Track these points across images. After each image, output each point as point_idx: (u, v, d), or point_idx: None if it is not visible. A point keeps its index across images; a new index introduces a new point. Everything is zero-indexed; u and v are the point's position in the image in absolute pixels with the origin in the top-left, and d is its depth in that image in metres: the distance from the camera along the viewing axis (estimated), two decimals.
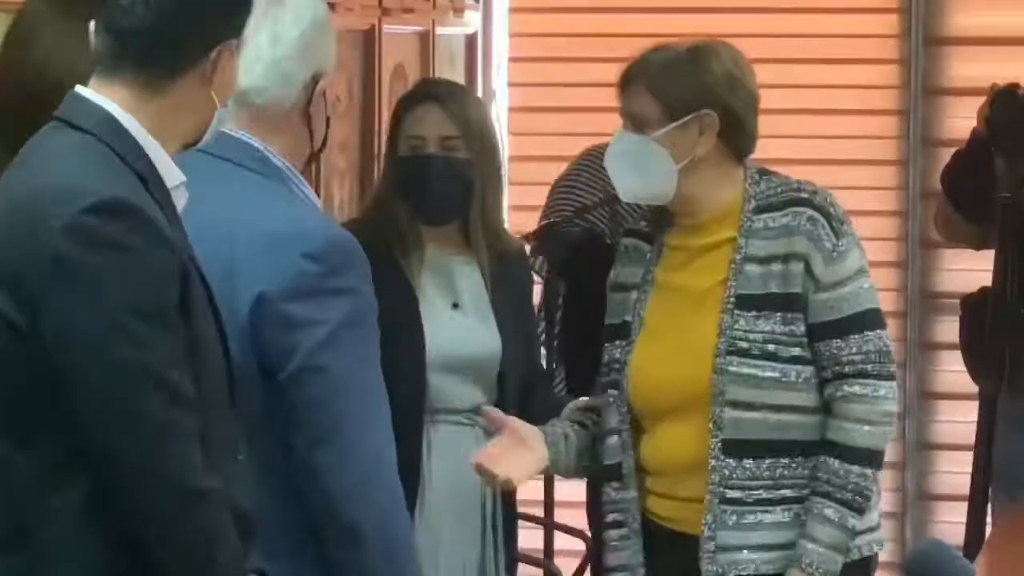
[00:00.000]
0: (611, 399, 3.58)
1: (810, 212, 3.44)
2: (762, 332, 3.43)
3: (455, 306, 3.79)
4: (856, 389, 3.41)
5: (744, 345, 3.44)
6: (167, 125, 2.51)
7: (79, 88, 2.51)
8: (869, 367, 3.42)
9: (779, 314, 3.43)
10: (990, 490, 4.78)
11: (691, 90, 3.45)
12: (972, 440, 4.85)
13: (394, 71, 5.23)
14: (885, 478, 5.25)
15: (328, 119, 3.03)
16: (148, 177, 2.44)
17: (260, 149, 2.80)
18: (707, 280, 3.51)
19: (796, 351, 3.43)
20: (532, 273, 4.18)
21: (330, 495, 2.77)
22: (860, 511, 3.42)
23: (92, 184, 2.39)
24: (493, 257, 3.82)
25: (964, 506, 4.83)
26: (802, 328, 3.43)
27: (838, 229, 3.43)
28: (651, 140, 3.45)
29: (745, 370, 3.43)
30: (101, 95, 2.48)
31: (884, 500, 5.12)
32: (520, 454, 3.50)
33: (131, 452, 2.36)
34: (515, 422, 3.53)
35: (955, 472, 5.54)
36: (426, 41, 5.51)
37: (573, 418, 3.67)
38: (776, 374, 3.43)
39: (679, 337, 3.54)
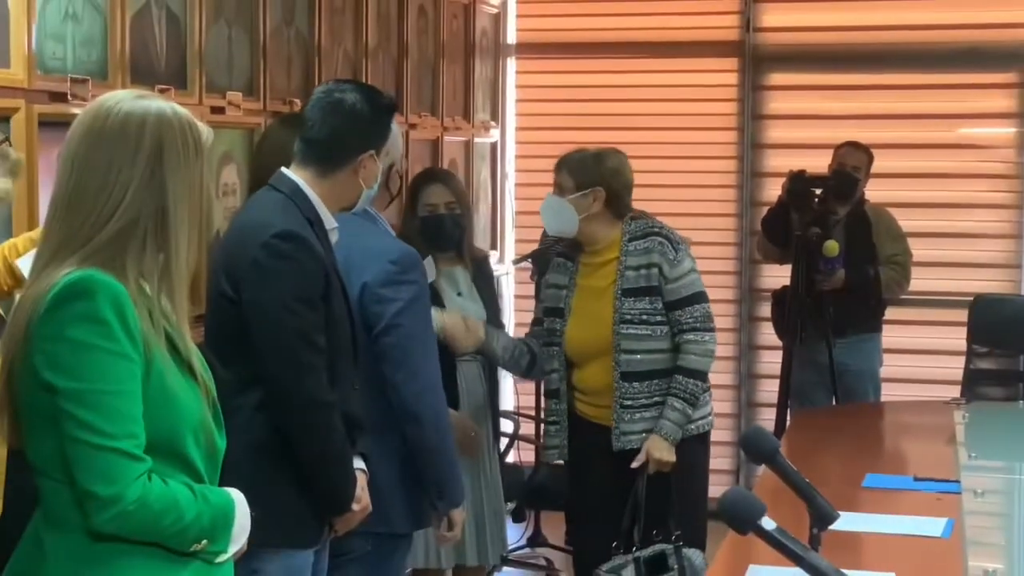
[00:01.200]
0: (555, 350, 3.83)
1: (660, 239, 3.74)
2: (638, 309, 3.72)
3: (459, 294, 4.01)
4: (693, 336, 3.70)
5: (629, 317, 3.72)
6: (330, 196, 2.73)
7: (283, 168, 2.75)
8: (699, 324, 3.71)
9: (647, 298, 3.72)
10: (789, 401, 5.18)
11: (590, 175, 3.75)
12: (778, 372, 5.25)
13: (450, 164, 5.57)
14: (728, 393, 6.03)
15: (401, 180, 3.27)
16: (315, 221, 2.67)
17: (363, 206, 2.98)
18: (604, 282, 3.78)
19: (658, 318, 3.72)
20: (491, 270, 4.31)
21: (404, 397, 2.98)
22: (694, 405, 3.70)
23: (279, 221, 2.61)
24: (473, 264, 4.08)
25: (774, 410, 5.24)
26: (660, 305, 3.71)
27: (676, 247, 3.73)
28: (566, 201, 3.77)
29: (631, 331, 3.72)
30: (295, 174, 2.73)
31: (727, 406, 5.95)
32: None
33: (286, 376, 2.56)
34: (471, 317, 3.76)
35: (769, 391, 5.77)
36: (468, 146, 5.87)
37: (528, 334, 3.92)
38: (648, 332, 3.72)
39: (592, 315, 3.79)
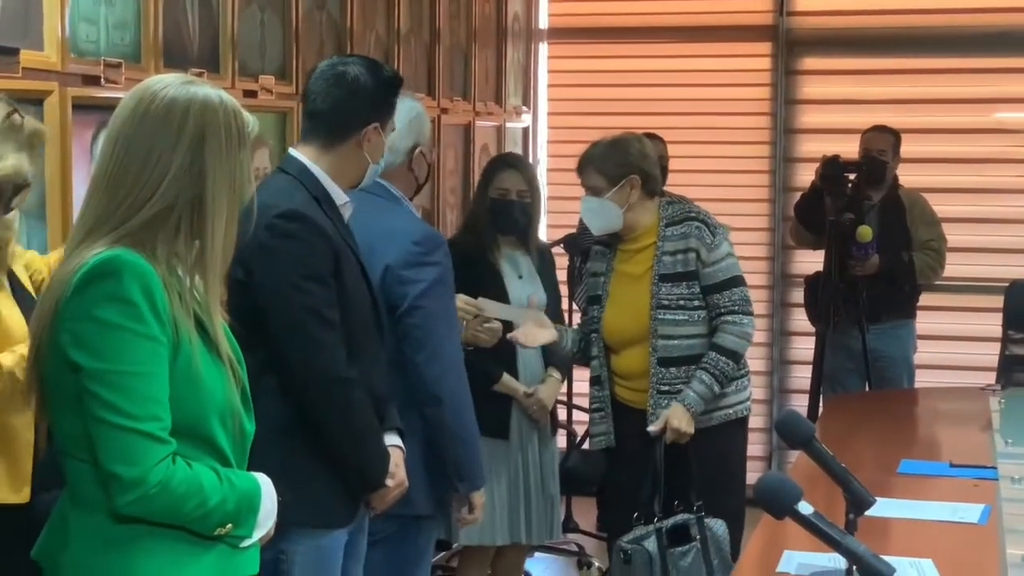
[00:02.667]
0: (593, 337, 3.84)
1: (697, 223, 3.72)
2: (676, 294, 3.71)
3: (520, 277, 4.09)
4: (731, 319, 3.68)
5: (666, 303, 3.71)
6: (336, 171, 2.68)
7: (291, 149, 2.76)
8: (737, 308, 3.69)
9: (684, 283, 3.70)
10: (821, 387, 5.18)
11: (619, 166, 3.72)
12: (811, 358, 5.25)
13: (482, 149, 5.64)
14: (761, 379, 5.87)
15: (429, 167, 3.21)
16: (322, 199, 2.63)
17: (386, 187, 3.05)
18: (642, 268, 3.77)
19: (696, 303, 3.70)
20: (553, 258, 4.32)
21: (424, 377, 2.97)
22: (722, 384, 3.65)
23: (283, 202, 2.58)
24: (535, 251, 4.16)
25: (806, 396, 5.24)
26: (697, 290, 3.69)
27: (713, 231, 3.71)
28: (604, 200, 3.74)
29: (668, 316, 3.70)
30: (300, 152, 2.70)
31: (760, 392, 5.80)
32: (539, 330, 3.79)
33: (300, 355, 2.54)
34: (540, 314, 3.84)
35: (802, 377, 5.77)
36: (500, 131, 5.92)
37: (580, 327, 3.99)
38: (685, 317, 3.70)
39: (630, 302, 3.77)
